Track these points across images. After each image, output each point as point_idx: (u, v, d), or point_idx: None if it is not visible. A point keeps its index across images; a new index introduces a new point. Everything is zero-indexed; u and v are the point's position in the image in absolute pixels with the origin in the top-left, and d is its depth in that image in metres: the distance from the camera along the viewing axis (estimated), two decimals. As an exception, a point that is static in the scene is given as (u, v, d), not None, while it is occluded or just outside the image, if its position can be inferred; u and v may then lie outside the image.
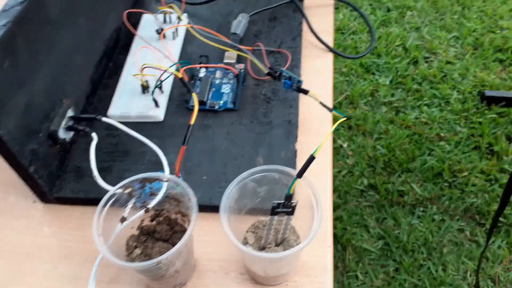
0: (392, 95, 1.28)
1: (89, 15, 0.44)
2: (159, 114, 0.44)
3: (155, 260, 0.28)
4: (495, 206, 1.09)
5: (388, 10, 1.49)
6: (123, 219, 0.33)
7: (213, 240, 0.37)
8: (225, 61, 0.47)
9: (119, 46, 0.51)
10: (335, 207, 1.09)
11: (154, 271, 0.31)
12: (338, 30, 1.42)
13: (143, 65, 0.42)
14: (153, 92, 0.42)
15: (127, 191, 0.33)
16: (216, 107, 0.44)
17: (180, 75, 0.39)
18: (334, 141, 1.20)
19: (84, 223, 0.39)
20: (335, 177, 1.14)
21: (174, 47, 0.50)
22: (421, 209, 1.09)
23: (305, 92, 0.43)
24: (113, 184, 0.33)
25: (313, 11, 0.55)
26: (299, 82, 0.43)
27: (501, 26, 1.44)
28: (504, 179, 1.13)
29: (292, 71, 0.48)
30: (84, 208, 0.40)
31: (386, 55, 1.36)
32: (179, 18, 0.50)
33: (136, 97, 0.45)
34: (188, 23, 0.51)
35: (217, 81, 0.46)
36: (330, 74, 0.49)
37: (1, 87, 0.32)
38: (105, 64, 0.48)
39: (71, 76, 0.41)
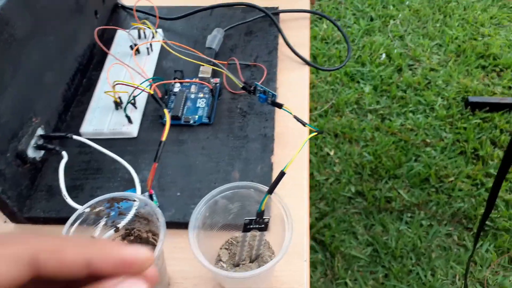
0: (377, 102, 1.29)
1: (59, 33, 0.44)
2: (133, 130, 0.44)
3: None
4: (481, 210, 1.10)
5: (371, 19, 1.51)
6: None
7: (188, 258, 0.37)
8: (200, 75, 0.47)
9: (93, 62, 0.51)
10: (323, 215, 1.09)
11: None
12: (323, 40, 1.44)
13: (114, 82, 0.41)
14: (125, 108, 0.42)
15: (95, 210, 0.32)
16: (191, 121, 0.44)
17: (151, 91, 0.39)
18: (321, 149, 1.20)
19: (56, 244, 0.38)
20: (322, 184, 1.14)
21: (149, 62, 0.50)
22: (409, 214, 1.10)
23: (280, 106, 0.43)
24: (86, 203, 0.32)
25: (289, 24, 0.55)
26: (274, 96, 0.43)
27: (482, 33, 1.47)
28: (490, 183, 1.14)
29: (268, 85, 0.48)
30: (56, 227, 0.39)
31: (370, 63, 1.37)
32: (153, 33, 0.50)
33: (109, 113, 0.45)
34: (163, 38, 0.51)
35: (192, 96, 0.46)
36: (306, 87, 0.49)
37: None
38: (78, 81, 0.48)
39: (41, 94, 0.41)
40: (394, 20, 1.51)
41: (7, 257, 0.15)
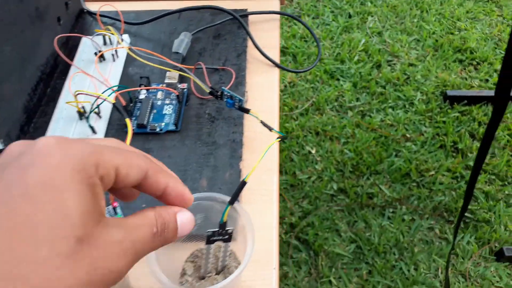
0: (357, 99, 1.30)
1: (18, 41, 0.42)
2: (98, 140, 0.42)
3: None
4: (462, 203, 1.11)
5: (350, 16, 1.52)
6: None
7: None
8: (167, 81, 0.46)
9: (57, 71, 0.49)
10: (306, 214, 1.09)
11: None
12: (302, 38, 1.43)
13: (75, 91, 0.40)
14: (87, 118, 0.41)
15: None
16: (158, 129, 0.43)
17: (113, 100, 0.38)
18: (303, 147, 1.20)
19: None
20: (305, 183, 1.14)
21: (114, 69, 0.48)
22: (391, 210, 1.11)
23: (247, 111, 0.42)
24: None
25: (259, 26, 0.55)
26: (240, 101, 0.42)
27: (459, 27, 1.49)
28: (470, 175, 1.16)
29: (237, 89, 0.48)
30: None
31: (350, 60, 1.38)
32: (118, 40, 0.49)
33: (73, 124, 0.43)
34: (130, 44, 0.50)
35: (159, 103, 0.45)
36: (276, 89, 0.49)
37: None
38: (41, 91, 0.47)
39: (-2, 107, 0.39)
40: (372, 16, 1.52)
41: (137, 167, 0.20)
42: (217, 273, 0.34)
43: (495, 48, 1.43)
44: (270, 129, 0.40)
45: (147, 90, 0.45)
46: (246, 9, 0.55)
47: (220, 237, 0.32)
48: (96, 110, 0.43)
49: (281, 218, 1.09)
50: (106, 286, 0.17)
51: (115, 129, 0.44)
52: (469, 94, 1.28)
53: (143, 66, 0.49)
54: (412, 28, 1.47)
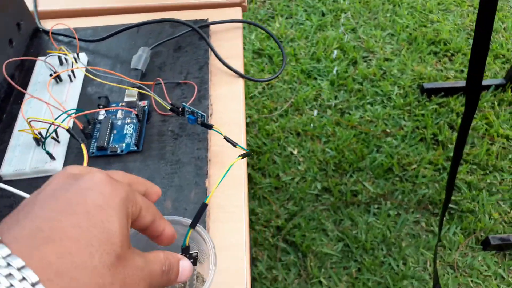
0: (335, 97, 1.30)
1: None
2: (56, 166, 0.41)
3: None
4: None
5: (323, 14, 1.52)
6: None
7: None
8: (126, 99, 0.45)
9: (13, 95, 0.47)
10: (292, 215, 1.08)
11: None
12: (277, 38, 1.43)
13: (28, 118, 0.38)
14: (43, 145, 0.39)
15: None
16: (119, 150, 0.42)
17: (66, 126, 0.36)
18: (284, 149, 1.19)
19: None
20: (289, 185, 1.13)
21: (72, 90, 0.47)
22: (376, 206, 1.11)
23: (210, 127, 0.41)
24: None
25: (221, 35, 0.53)
26: (202, 116, 0.41)
27: (432, 19, 1.50)
28: (450, 167, 1.16)
29: (200, 102, 0.46)
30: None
31: (325, 58, 1.38)
32: (75, 59, 0.47)
33: (31, 151, 0.42)
34: (87, 62, 0.48)
35: (119, 122, 0.44)
36: (241, 100, 0.48)
37: None
38: (-5, 118, 0.45)
39: None
40: (345, 13, 1.52)
41: (152, 213, 0.25)
42: (184, 299, 0.33)
43: (468, 38, 1.44)
44: (234, 145, 0.39)
45: (106, 110, 0.44)
46: (207, 19, 0.54)
47: (184, 262, 0.30)
48: (54, 135, 0.41)
49: (267, 221, 1.08)
50: None
51: (75, 154, 0.42)
52: (446, 86, 1.29)
53: (102, 85, 0.47)
54: (385, 23, 1.48)
